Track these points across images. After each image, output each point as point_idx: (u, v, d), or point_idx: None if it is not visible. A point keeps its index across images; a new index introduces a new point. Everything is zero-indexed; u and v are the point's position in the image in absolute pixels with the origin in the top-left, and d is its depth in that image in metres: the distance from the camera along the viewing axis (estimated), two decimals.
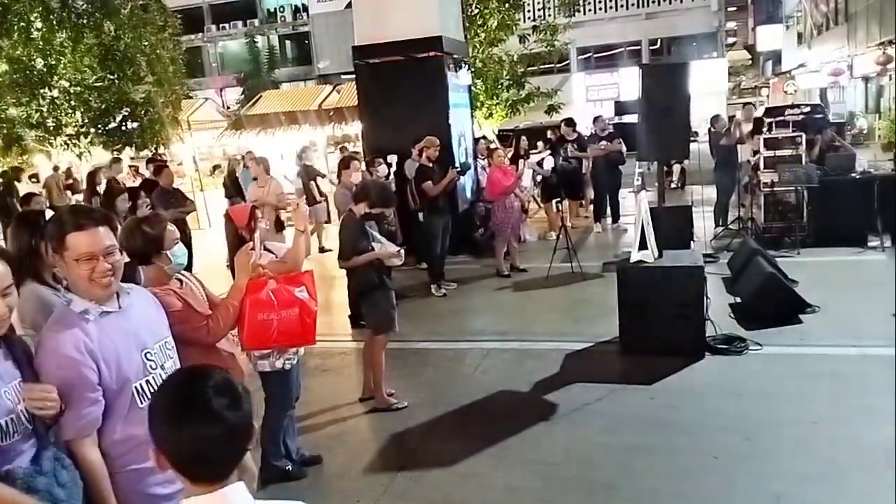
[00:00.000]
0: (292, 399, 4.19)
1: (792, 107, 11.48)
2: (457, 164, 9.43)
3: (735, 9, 40.49)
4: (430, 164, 8.46)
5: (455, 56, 10.79)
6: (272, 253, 3.89)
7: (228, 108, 31.40)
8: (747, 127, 10.55)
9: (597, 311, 6.91)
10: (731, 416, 4.58)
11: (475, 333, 6.96)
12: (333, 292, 8.47)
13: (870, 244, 8.74)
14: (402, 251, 5.17)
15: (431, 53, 9.99)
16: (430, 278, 8.56)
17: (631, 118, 15.27)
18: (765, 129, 10.24)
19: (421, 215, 8.47)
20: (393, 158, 9.43)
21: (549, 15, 20.55)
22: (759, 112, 13.21)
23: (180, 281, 3.05)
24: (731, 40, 41.68)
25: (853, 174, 9.23)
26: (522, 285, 8.55)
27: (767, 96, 34.83)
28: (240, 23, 41.32)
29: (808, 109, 13.10)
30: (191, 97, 22.19)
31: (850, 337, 5.74)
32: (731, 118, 13.18)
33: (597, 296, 7.50)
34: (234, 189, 11.43)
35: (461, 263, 9.76)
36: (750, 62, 44.95)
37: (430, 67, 10.03)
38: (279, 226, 7.98)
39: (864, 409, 4.52)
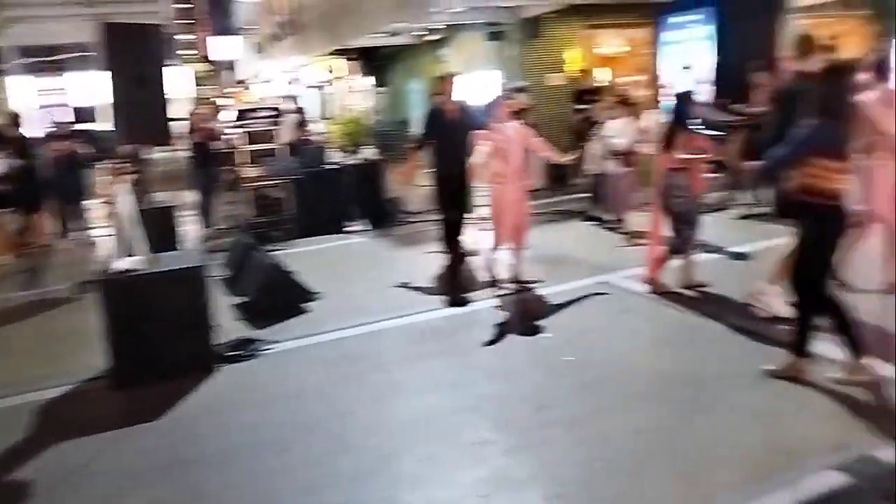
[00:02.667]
0: None
1: (264, 108, 11.54)
2: None
3: (192, 21, 40.44)
4: None
5: None
6: None
7: None
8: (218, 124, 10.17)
9: (76, 342, 5.50)
10: (262, 429, 3.94)
11: None
12: None
13: (350, 229, 9.28)
14: None
15: None
16: None
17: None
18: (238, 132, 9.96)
19: None
20: None
21: None
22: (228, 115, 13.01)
23: None
24: (192, 52, 41.51)
25: (326, 165, 9.65)
26: None
27: (233, 105, 35.64)
28: None
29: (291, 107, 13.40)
30: None
31: (357, 316, 5.72)
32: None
33: (75, 324, 6.01)
34: None
35: None
36: (213, 72, 45.59)
37: None
38: None
39: (390, 384, 4.42)
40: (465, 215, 6.89)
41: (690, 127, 5.66)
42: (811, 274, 3.83)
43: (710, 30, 11.26)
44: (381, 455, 3.56)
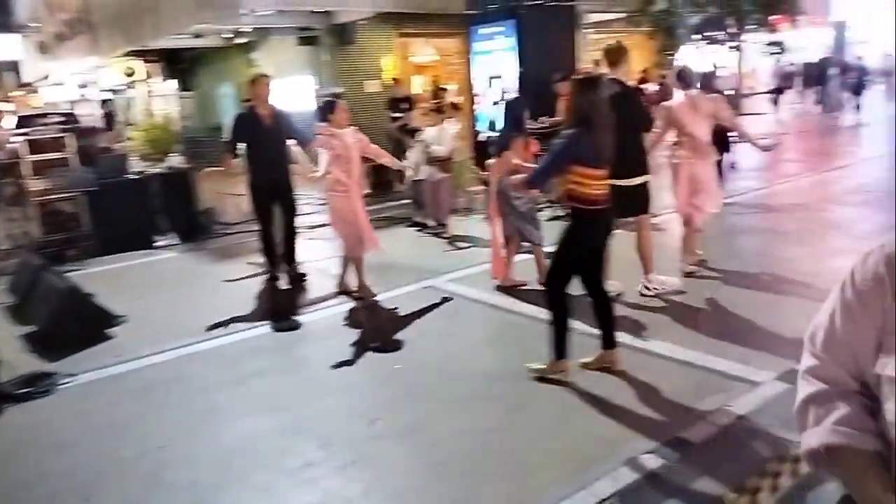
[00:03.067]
0: None
1: (52, 114, 10.33)
2: None
3: None
4: None
5: None
6: None
7: None
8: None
9: None
10: (63, 475, 3.48)
11: None
12: None
13: (158, 243, 8.60)
14: None
15: None
16: None
17: None
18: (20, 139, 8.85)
19: None
20: None
21: None
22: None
23: None
24: None
25: (128, 175, 8.88)
26: None
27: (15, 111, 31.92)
28: None
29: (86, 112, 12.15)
30: None
31: (167, 340, 5.27)
32: None
33: None
34: None
35: None
36: None
37: None
38: None
39: (208, 410, 4.10)
40: (290, 225, 6.67)
41: (524, 132, 5.86)
42: (571, 270, 4.02)
43: (513, 42, 11.83)
44: (199, 491, 3.27)
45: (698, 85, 6.06)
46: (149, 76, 19.83)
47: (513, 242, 5.92)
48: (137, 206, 8.60)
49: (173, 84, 19.19)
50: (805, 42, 22.33)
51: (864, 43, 29.35)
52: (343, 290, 6.15)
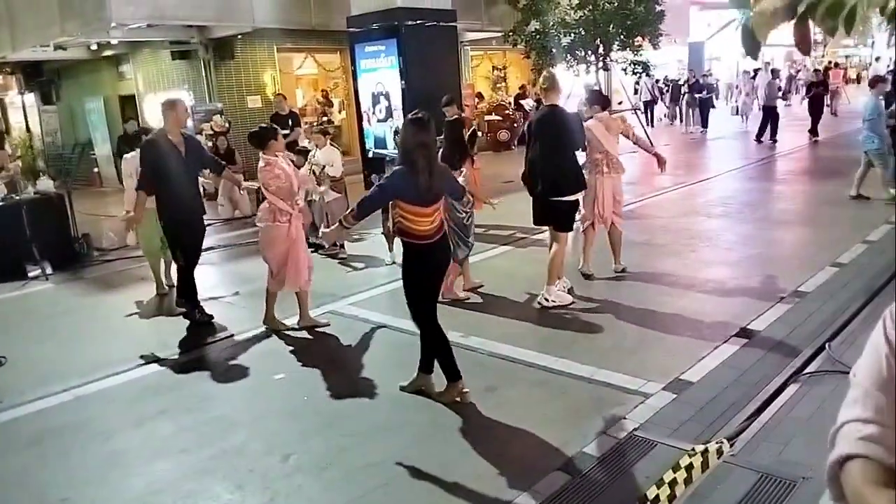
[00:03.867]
0: None
1: None
2: None
3: None
4: None
5: None
6: None
7: None
8: None
9: None
10: None
11: None
12: None
13: (30, 275, 8.05)
14: None
15: None
16: None
17: None
18: None
19: None
20: None
21: None
22: None
23: None
24: None
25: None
26: None
27: None
28: None
29: None
30: None
31: (56, 381, 4.99)
32: None
33: None
34: None
35: None
36: None
37: None
38: None
39: (110, 456, 3.94)
40: (196, 258, 6.24)
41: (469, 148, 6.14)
42: (411, 301, 4.20)
43: (395, 60, 12.02)
44: None
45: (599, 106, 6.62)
46: (4, 89, 18.41)
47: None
48: (6, 234, 8.00)
49: (31, 97, 17.88)
50: (665, 60, 24.03)
51: (716, 59, 32.04)
52: (269, 325, 5.84)
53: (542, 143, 5.68)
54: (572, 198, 5.79)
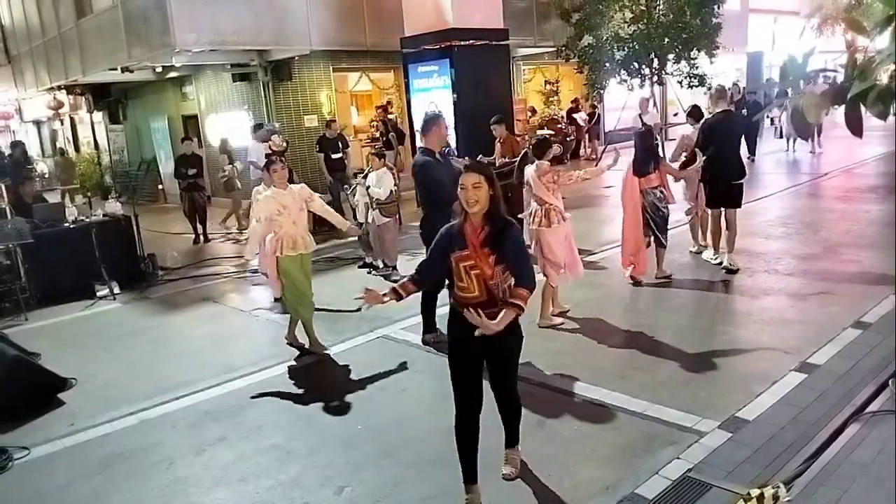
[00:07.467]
0: None
1: None
2: None
3: None
4: None
5: None
6: None
7: None
8: None
9: None
10: None
11: None
12: None
13: (99, 294, 8.42)
14: None
15: None
16: None
17: None
18: None
19: None
20: None
21: None
22: None
23: None
24: None
25: (67, 224, 8.69)
26: None
27: None
28: None
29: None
30: None
31: (124, 403, 5.23)
32: None
33: None
34: None
35: None
36: None
37: None
38: None
39: (174, 484, 4.10)
40: None
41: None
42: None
43: (447, 80, 12.16)
44: None
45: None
46: (74, 108, 19.29)
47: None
48: (76, 255, 8.41)
49: (100, 116, 18.70)
50: (723, 69, 23.51)
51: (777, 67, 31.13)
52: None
53: (719, 140, 7.04)
54: (743, 181, 7.29)
